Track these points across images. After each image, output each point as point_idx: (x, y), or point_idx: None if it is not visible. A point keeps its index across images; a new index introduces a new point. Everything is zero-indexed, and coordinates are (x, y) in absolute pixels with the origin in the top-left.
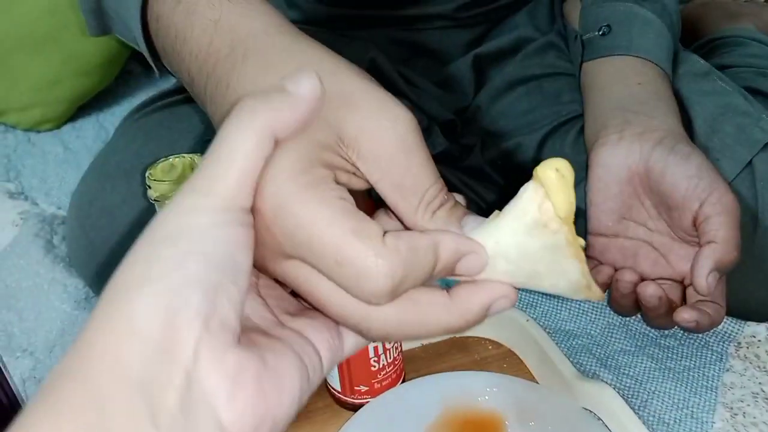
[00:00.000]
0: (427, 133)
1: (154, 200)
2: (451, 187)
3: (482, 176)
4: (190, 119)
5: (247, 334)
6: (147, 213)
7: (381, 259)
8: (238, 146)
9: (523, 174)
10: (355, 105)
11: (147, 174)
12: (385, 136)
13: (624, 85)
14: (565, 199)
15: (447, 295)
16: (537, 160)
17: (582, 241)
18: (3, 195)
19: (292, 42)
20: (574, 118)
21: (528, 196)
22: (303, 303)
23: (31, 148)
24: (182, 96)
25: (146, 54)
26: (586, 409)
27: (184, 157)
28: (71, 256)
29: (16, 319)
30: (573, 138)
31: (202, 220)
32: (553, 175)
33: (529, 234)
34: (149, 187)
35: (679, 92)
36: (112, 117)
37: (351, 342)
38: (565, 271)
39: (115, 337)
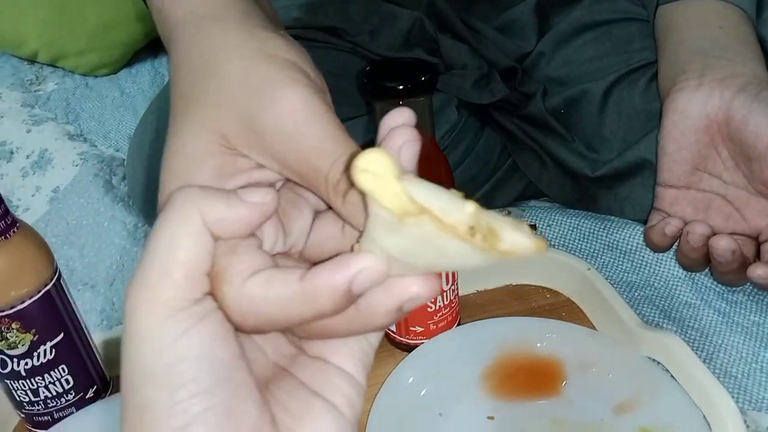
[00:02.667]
0: (486, 80)
1: None
2: (510, 136)
3: (543, 125)
4: None
5: (273, 393)
6: None
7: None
8: (180, 243)
9: (586, 123)
10: (260, 92)
11: None
12: (280, 118)
13: (705, 28)
14: (389, 195)
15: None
16: (602, 108)
17: (467, 208)
18: (63, 136)
19: (209, 32)
20: (644, 66)
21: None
22: None
23: (89, 92)
24: None
25: None
26: (650, 359)
27: None
28: (131, 193)
29: (77, 255)
30: (643, 86)
31: (164, 339)
32: (364, 179)
33: (397, 234)
34: None
35: (765, 38)
36: (167, 62)
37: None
38: (459, 252)
39: None
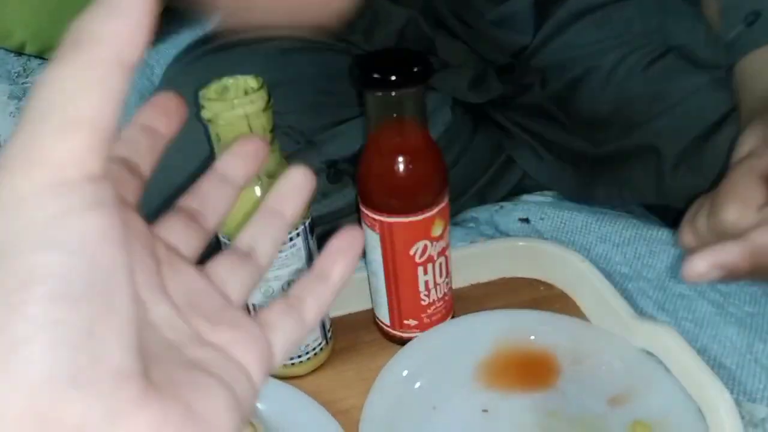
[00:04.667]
0: (481, 78)
1: (207, 121)
2: (505, 131)
3: (541, 113)
4: (241, 63)
5: (159, 365)
6: (202, 162)
7: None
8: (79, 90)
9: (588, 105)
10: None
11: (200, 94)
12: None
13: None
14: None
15: None
16: (604, 90)
17: None
18: None
19: None
20: (645, 48)
21: None
22: (221, 295)
23: None
24: (231, 40)
25: None
26: (644, 351)
27: (237, 78)
28: None
29: None
30: (644, 69)
31: (38, 213)
32: None
33: None
34: (203, 107)
35: None
36: (156, 53)
37: (281, 345)
38: None
39: None
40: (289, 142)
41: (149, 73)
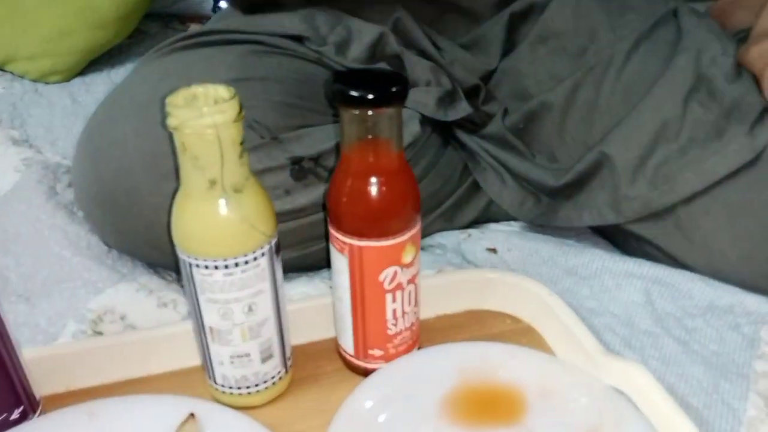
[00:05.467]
0: (451, 97)
1: (173, 128)
2: (471, 155)
3: (504, 143)
4: (210, 59)
5: None
6: (161, 144)
7: None
8: None
9: (547, 135)
10: None
11: (167, 101)
12: None
13: None
14: None
15: None
16: (563, 116)
17: None
18: (7, 141)
19: None
20: (603, 63)
21: None
22: None
23: (39, 99)
24: (203, 39)
25: None
26: (613, 388)
27: (207, 87)
28: (76, 190)
29: (13, 264)
30: (602, 84)
31: None
32: None
33: None
34: (168, 114)
35: None
36: (124, 73)
37: None
38: None
39: None
40: (254, 135)
41: None
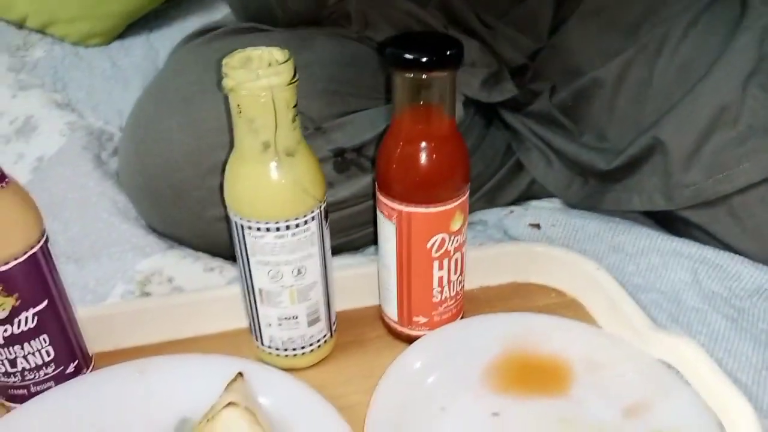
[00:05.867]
0: (495, 78)
1: (229, 90)
2: (516, 134)
3: (550, 121)
4: (256, 45)
5: None
6: (206, 139)
7: None
8: None
9: (597, 112)
10: None
11: (223, 62)
12: None
13: None
14: None
15: None
16: (615, 94)
17: None
18: (50, 104)
19: None
20: (654, 44)
21: None
22: None
23: (79, 62)
24: (241, 27)
25: None
26: (661, 361)
27: (262, 49)
28: (123, 178)
29: (61, 228)
30: (655, 65)
31: None
32: None
33: None
34: (225, 75)
35: None
36: (162, 38)
37: None
38: None
39: None
40: None
41: (153, 56)
